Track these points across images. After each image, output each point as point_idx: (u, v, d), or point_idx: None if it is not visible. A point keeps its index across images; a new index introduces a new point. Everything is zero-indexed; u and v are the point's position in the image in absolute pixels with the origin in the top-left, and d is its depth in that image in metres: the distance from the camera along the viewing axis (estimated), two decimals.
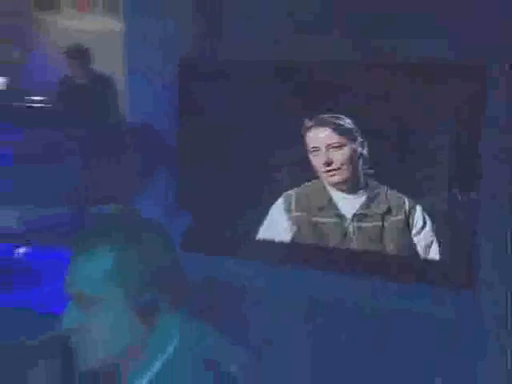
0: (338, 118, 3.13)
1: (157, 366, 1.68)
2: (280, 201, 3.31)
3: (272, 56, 3.17)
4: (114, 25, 7.84)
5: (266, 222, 3.34)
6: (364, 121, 3.12)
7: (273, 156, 3.29)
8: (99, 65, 7.46)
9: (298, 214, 3.27)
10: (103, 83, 7.31)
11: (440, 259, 3.07)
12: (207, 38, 3.41)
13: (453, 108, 2.99)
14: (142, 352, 1.69)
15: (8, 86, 7.57)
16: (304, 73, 3.18)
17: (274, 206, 3.32)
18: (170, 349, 1.70)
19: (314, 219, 3.25)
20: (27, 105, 7.16)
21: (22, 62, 7.71)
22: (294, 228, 3.29)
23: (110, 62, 6.92)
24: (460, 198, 3.02)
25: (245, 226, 3.36)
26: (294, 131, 3.20)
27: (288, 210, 3.29)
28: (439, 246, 3.08)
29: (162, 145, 3.69)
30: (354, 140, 3.13)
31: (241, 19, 3.25)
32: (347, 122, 3.12)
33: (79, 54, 7.37)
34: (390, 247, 3.15)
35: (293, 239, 3.29)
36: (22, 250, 5.29)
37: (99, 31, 7.98)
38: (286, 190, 3.29)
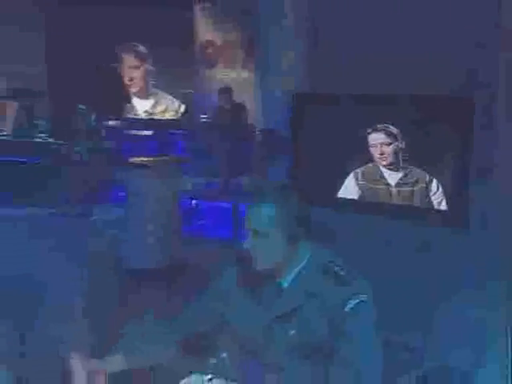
0: (387, 126, 3.18)
1: (295, 272, 1.74)
2: (351, 175, 3.38)
3: (351, 90, 3.25)
4: (247, 75, 7.99)
5: (343, 188, 3.42)
6: (403, 129, 3.19)
7: (349, 150, 3.35)
8: (237, 97, 7.63)
9: (362, 182, 3.34)
10: (239, 108, 7.47)
11: (448, 209, 3.11)
12: (310, 78, 3.47)
13: (453, 126, 3.04)
14: (288, 263, 1.75)
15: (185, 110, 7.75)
16: (367, 100, 3.27)
17: (347, 178, 3.40)
18: (303, 262, 1.75)
19: (372, 186, 3.31)
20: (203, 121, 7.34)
21: (191, 96, 7.86)
22: (360, 191, 3.37)
23: (244, 96, 7.16)
24: (458, 174, 3.07)
25: (331, 189, 3.46)
26: (361, 135, 3.26)
27: (356, 181, 3.35)
28: (447, 202, 3.11)
29: (280, 142, 3.76)
30: (397, 140, 3.17)
31: (332, 68, 3.31)
32: (393, 129, 3.18)
33: (226, 92, 7.54)
34: (417, 202, 3.20)
35: (358, 198, 3.38)
36: (194, 202, 5.68)
37: (238, 78, 8.12)
38: (355, 169, 3.36)
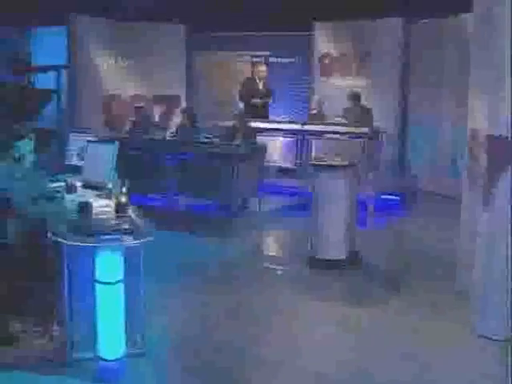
0: None
1: None
2: None
3: None
4: (362, 81, 7.62)
5: None
6: None
7: None
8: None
9: None
10: (367, 111, 6.98)
11: None
12: None
13: None
14: None
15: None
16: None
17: None
18: None
19: None
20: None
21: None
22: None
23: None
24: None
25: None
26: None
27: None
28: None
29: None
30: None
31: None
32: None
33: (355, 96, 7.06)
34: None
35: None
36: None
37: (353, 85, 7.69)
38: None
